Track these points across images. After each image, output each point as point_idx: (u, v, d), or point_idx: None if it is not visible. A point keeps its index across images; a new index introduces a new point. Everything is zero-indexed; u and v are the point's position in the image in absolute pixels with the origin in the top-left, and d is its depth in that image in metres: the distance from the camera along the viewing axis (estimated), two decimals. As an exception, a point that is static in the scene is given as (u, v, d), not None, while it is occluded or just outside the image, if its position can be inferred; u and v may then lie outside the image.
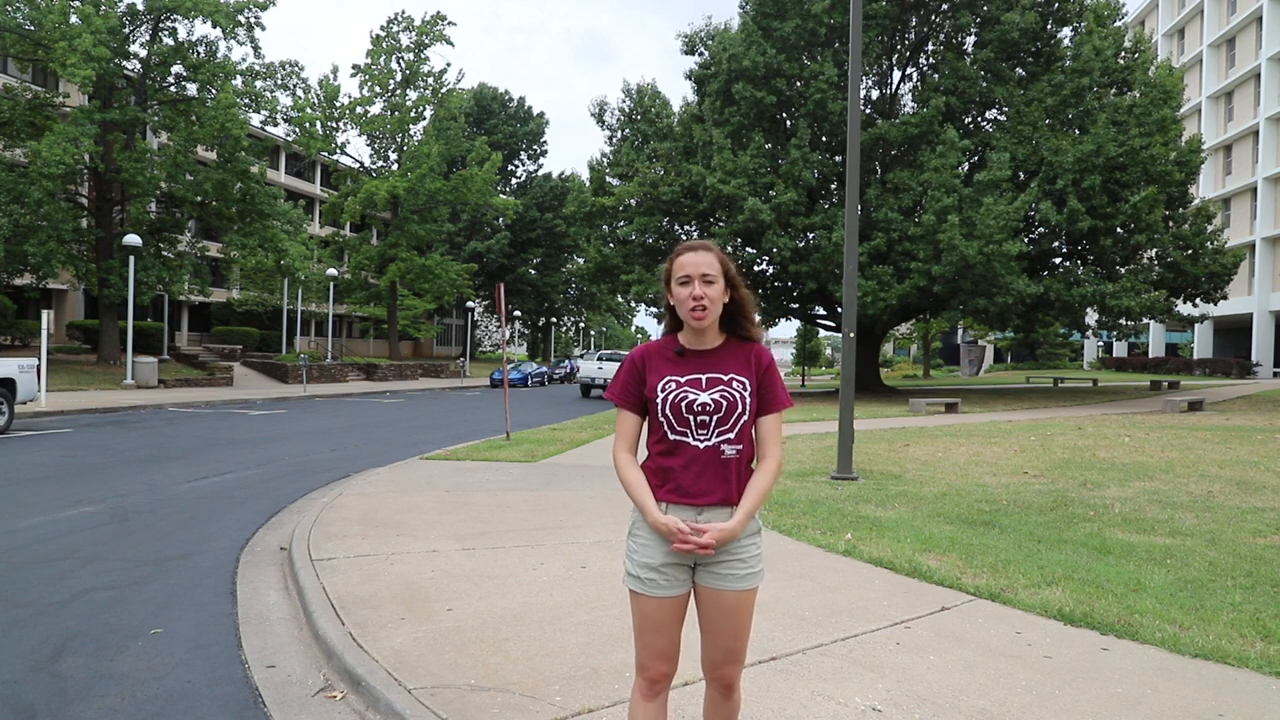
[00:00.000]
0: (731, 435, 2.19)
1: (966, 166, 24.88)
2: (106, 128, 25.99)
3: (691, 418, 2.18)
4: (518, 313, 63.44)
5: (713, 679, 2.31)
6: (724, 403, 2.18)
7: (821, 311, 32.10)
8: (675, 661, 2.28)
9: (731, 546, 2.19)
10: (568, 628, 4.05)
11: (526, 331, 74.59)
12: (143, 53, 27.92)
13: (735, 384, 2.20)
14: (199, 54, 28.48)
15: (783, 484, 8.65)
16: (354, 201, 41.55)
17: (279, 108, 30.56)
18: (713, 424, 2.18)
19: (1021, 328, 29.32)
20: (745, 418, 2.20)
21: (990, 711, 3.13)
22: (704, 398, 2.18)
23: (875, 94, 28.18)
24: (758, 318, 2.37)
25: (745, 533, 2.21)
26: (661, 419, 2.21)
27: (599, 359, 32.86)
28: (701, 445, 2.18)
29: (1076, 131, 23.85)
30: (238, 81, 28.56)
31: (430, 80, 43.56)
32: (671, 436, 2.20)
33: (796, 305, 29.79)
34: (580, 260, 40.75)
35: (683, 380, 2.21)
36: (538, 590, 4.71)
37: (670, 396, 2.19)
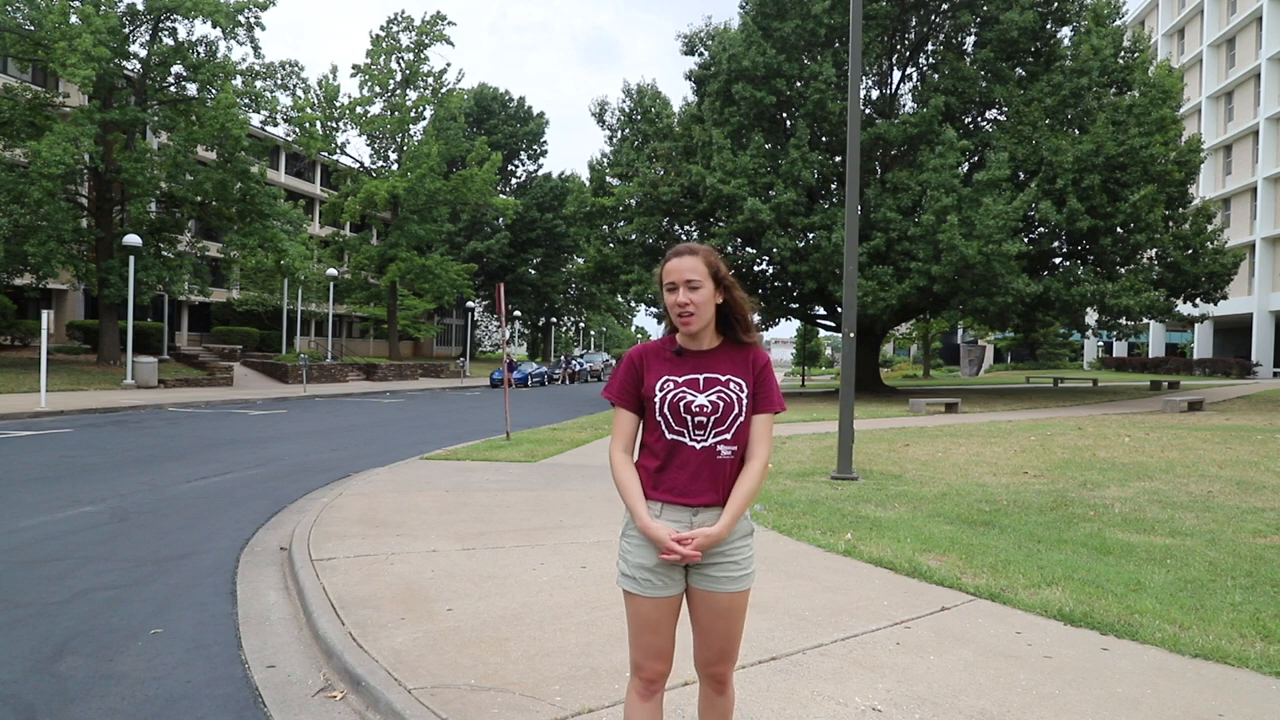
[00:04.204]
0: (728, 436, 2.20)
1: (966, 166, 24.89)
2: (106, 128, 25.99)
3: (689, 418, 2.19)
4: (518, 313, 63.45)
5: (705, 676, 2.34)
6: (721, 404, 2.19)
7: (821, 311, 32.09)
8: (670, 660, 2.29)
9: (724, 548, 2.20)
10: (568, 628, 4.05)
11: (526, 331, 74.59)
12: (143, 53, 27.92)
13: (733, 385, 2.21)
14: (199, 54, 28.47)
15: (783, 484, 8.65)
16: (354, 201, 41.54)
17: (279, 108, 30.55)
18: (710, 425, 2.19)
19: (1021, 328, 29.31)
20: (742, 419, 2.21)
21: (990, 711, 3.13)
22: (701, 399, 2.19)
23: (875, 94, 28.18)
24: (757, 318, 2.35)
25: (736, 534, 2.22)
26: (659, 419, 2.21)
27: None
28: (698, 446, 2.19)
29: (1076, 131, 23.84)
30: (238, 81, 28.55)
31: (430, 80, 43.56)
32: (669, 436, 2.21)
33: (796, 305, 29.78)
34: (580, 260, 40.74)
35: (680, 380, 2.21)
36: (538, 590, 4.71)
37: (668, 397, 2.20)
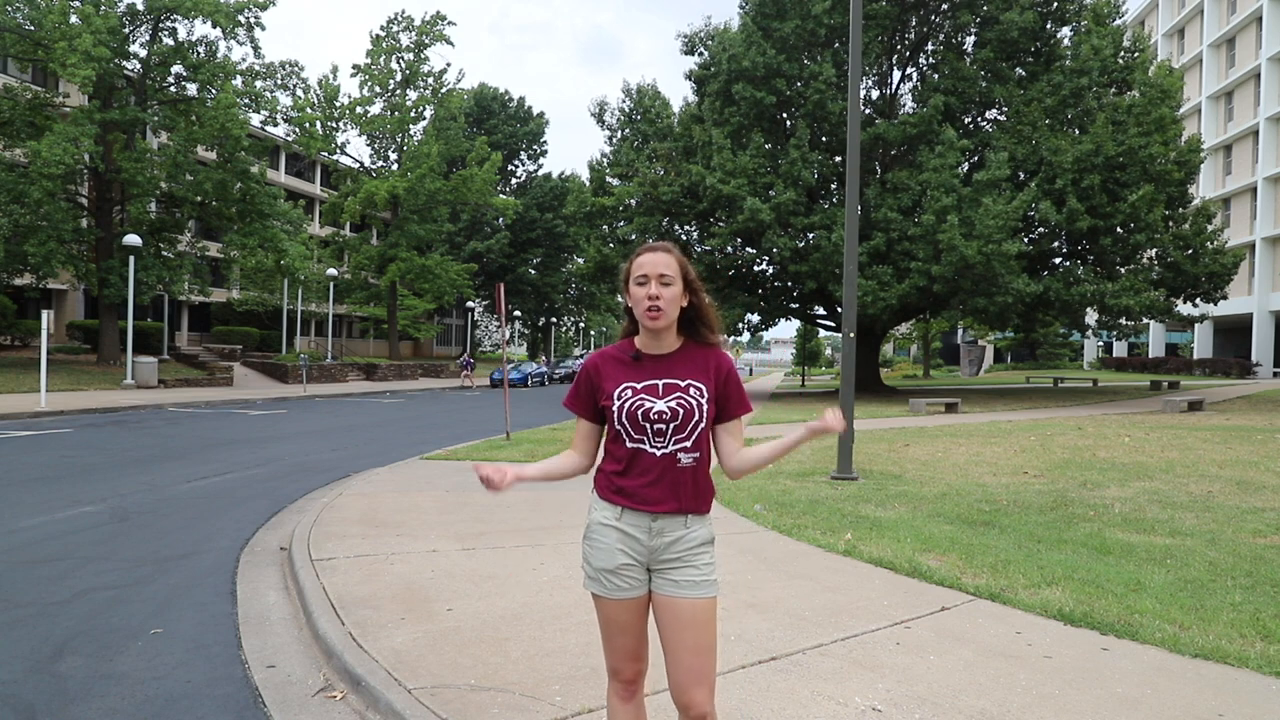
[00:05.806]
0: (688, 444, 2.16)
1: (966, 166, 24.89)
2: (106, 128, 25.99)
3: (648, 425, 2.15)
4: (518, 313, 63.44)
5: (682, 708, 2.19)
6: (681, 411, 2.15)
7: (821, 311, 32.10)
8: (645, 659, 2.27)
9: (683, 554, 2.18)
10: (568, 628, 4.05)
11: (526, 331, 74.60)
12: (143, 53, 27.92)
13: (693, 390, 2.17)
14: (199, 54, 28.47)
15: (783, 484, 8.65)
16: (354, 201, 41.57)
17: (279, 108, 30.56)
18: (669, 432, 2.15)
19: (1021, 328, 29.32)
20: (702, 425, 2.18)
21: (990, 711, 3.13)
22: (660, 406, 2.15)
23: (875, 94, 28.20)
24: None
25: (697, 541, 2.19)
26: (619, 427, 2.18)
27: None
28: (658, 453, 2.16)
29: (1076, 131, 23.85)
30: (238, 81, 28.56)
31: (430, 80, 43.59)
32: (629, 444, 2.18)
33: (796, 305, 29.80)
34: (580, 260, 40.78)
35: (639, 387, 2.17)
36: (538, 590, 4.71)
37: (627, 405, 2.16)
